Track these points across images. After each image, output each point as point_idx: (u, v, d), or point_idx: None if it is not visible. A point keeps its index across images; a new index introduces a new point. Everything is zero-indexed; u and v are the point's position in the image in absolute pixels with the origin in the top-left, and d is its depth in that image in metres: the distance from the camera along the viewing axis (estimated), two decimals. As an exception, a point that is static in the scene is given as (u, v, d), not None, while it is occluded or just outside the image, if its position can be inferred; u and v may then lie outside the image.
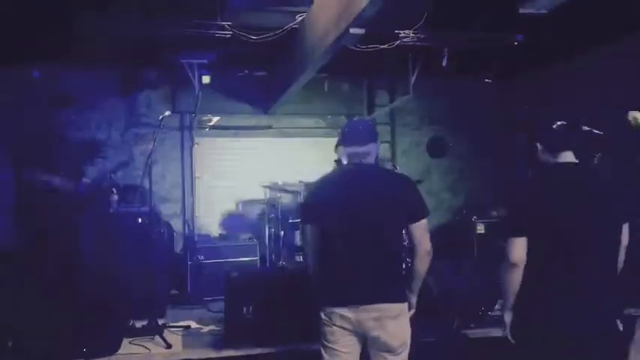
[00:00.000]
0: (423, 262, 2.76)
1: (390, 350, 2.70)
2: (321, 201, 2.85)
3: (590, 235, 2.52)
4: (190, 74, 6.30)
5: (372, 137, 2.89)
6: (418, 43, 5.79)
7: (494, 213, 6.42)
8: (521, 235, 2.55)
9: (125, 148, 7.12)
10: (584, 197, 2.53)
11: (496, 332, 4.40)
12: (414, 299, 2.86)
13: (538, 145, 2.68)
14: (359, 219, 2.71)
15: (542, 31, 5.79)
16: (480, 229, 6.14)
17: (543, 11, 5.15)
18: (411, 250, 2.77)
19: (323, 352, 2.80)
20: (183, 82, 6.80)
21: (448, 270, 4.59)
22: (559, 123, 2.61)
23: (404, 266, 2.96)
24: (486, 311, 4.70)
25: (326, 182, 2.98)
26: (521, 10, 5.16)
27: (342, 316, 2.69)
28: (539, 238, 2.53)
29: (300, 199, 6.74)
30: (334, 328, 2.72)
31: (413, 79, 6.74)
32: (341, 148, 2.95)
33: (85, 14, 5.21)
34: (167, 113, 4.78)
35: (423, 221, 2.75)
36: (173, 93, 7.44)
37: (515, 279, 2.58)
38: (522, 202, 2.64)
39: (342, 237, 2.74)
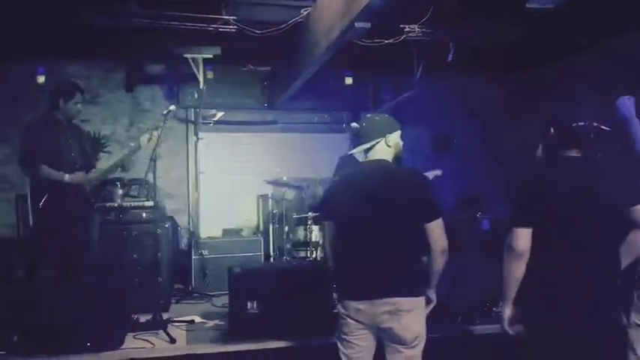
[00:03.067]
0: (438, 261, 2.80)
1: (404, 342, 2.73)
2: (335, 198, 2.92)
3: (595, 228, 2.50)
4: (195, 69, 6.28)
5: (376, 133, 2.89)
6: (424, 38, 5.76)
7: (499, 209, 6.38)
8: (526, 226, 2.53)
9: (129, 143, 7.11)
10: (590, 190, 2.51)
11: (501, 329, 4.40)
12: (433, 294, 2.89)
13: (552, 131, 2.66)
14: (370, 215, 2.73)
15: (549, 26, 5.75)
16: (485, 225, 6.10)
17: (550, 6, 5.11)
18: (428, 248, 2.78)
19: (339, 344, 2.87)
20: (188, 77, 6.79)
21: (452, 266, 4.57)
22: (580, 123, 2.59)
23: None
24: (491, 307, 4.68)
25: (341, 180, 3.04)
26: (527, 5, 5.12)
27: (357, 310, 2.74)
28: (544, 231, 2.52)
29: (305, 194, 6.74)
30: (349, 320, 2.78)
31: (418, 74, 6.71)
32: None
33: (89, 8, 5.20)
34: (172, 108, 4.76)
35: (438, 220, 2.77)
36: (178, 88, 7.43)
37: (519, 270, 2.56)
38: (528, 193, 2.61)
39: (356, 233, 2.78)
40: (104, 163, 4.84)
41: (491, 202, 6.73)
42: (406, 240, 2.75)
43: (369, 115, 3.03)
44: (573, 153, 2.61)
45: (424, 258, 2.84)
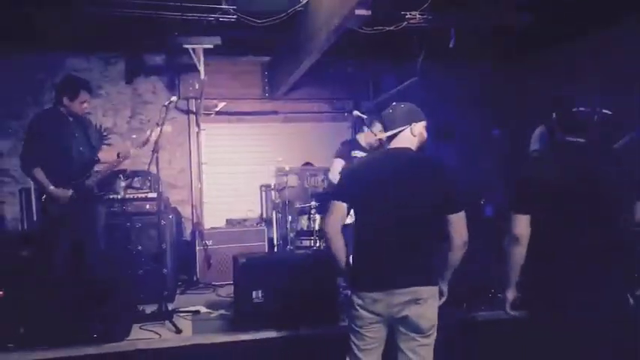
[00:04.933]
0: (459, 253, 2.79)
1: (420, 332, 2.72)
2: (355, 181, 2.84)
3: (596, 213, 2.51)
4: (195, 59, 6.25)
5: (402, 120, 2.86)
6: (425, 25, 5.71)
7: (503, 196, 6.37)
8: (525, 212, 2.55)
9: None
10: (589, 176, 2.52)
11: (506, 315, 4.40)
12: (445, 287, 2.87)
13: (554, 116, 2.67)
14: (394, 203, 2.70)
15: (552, 11, 5.71)
16: (488, 211, 6.10)
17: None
18: (447, 240, 2.76)
19: (351, 335, 2.83)
20: (189, 68, 6.77)
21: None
22: (581, 108, 2.59)
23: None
24: (496, 294, 4.69)
25: (362, 164, 3.03)
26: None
27: (374, 300, 2.70)
28: (543, 217, 2.53)
29: (307, 183, 6.74)
30: (362, 312, 2.74)
31: (419, 62, 6.67)
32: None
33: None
34: (173, 99, 4.74)
35: (462, 212, 2.76)
36: (178, 78, 7.41)
37: (519, 255, 2.60)
38: (527, 180, 2.63)
39: (377, 221, 2.74)
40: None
41: (495, 189, 6.74)
42: (428, 230, 2.73)
43: (395, 103, 3.00)
44: (574, 138, 2.61)
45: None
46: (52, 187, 4.31)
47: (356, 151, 5.71)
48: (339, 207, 2.81)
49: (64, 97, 4.44)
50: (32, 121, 4.51)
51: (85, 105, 4.52)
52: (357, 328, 2.79)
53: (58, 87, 4.54)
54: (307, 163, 7.02)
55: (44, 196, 4.35)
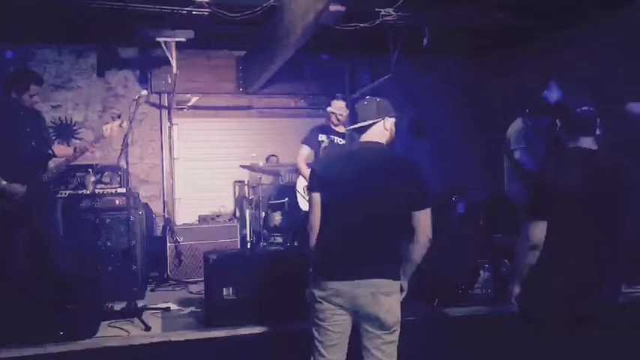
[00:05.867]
0: (422, 249, 2.79)
1: (385, 328, 2.70)
2: (327, 172, 2.85)
3: (604, 218, 2.60)
4: (167, 53, 6.16)
5: (375, 114, 2.87)
6: (399, 22, 5.72)
7: (475, 193, 6.43)
8: (543, 218, 2.61)
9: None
10: (599, 183, 2.59)
11: (476, 310, 4.45)
12: (406, 283, 2.87)
13: (557, 123, 2.73)
14: (361, 196, 2.71)
15: (525, 8, 5.77)
16: (460, 208, 6.14)
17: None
18: (411, 236, 2.76)
19: (314, 331, 2.81)
20: (161, 61, 6.68)
21: (428, 249, 4.59)
22: (584, 108, 2.62)
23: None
24: (466, 290, 4.73)
25: (335, 155, 3.09)
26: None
27: (337, 291, 2.68)
28: (554, 220, 2.60)
29: (281, 180, 6.72)
30: (325, 304, 2.72)
31: (394, 59, 6.69)
32: None
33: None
34: (143, 92, 4.66)
35: (428, 210, 2.76)
36: (151, 72, 7.31)
37: (532, 258, 2.67)
38: (543, 185, 2.69)
39: (344, 212, 2.74)
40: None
41: (467, 187, 6.79)
42: (395, 225, 2.74)
43: (368, 97, 3.01)
44: (585, 144, 2.66)
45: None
46: (4, 183, 4.21)
47: (322, 136, 5.72)
48: (317, 198, 2.83)
49: (13, 91, 4.35)
50: None
51: (36, 98, 4.44)
52: (319, 322, 2.76)
53: (8, 80, 4.44)
54: (272, 155, 7.05)
55: None
